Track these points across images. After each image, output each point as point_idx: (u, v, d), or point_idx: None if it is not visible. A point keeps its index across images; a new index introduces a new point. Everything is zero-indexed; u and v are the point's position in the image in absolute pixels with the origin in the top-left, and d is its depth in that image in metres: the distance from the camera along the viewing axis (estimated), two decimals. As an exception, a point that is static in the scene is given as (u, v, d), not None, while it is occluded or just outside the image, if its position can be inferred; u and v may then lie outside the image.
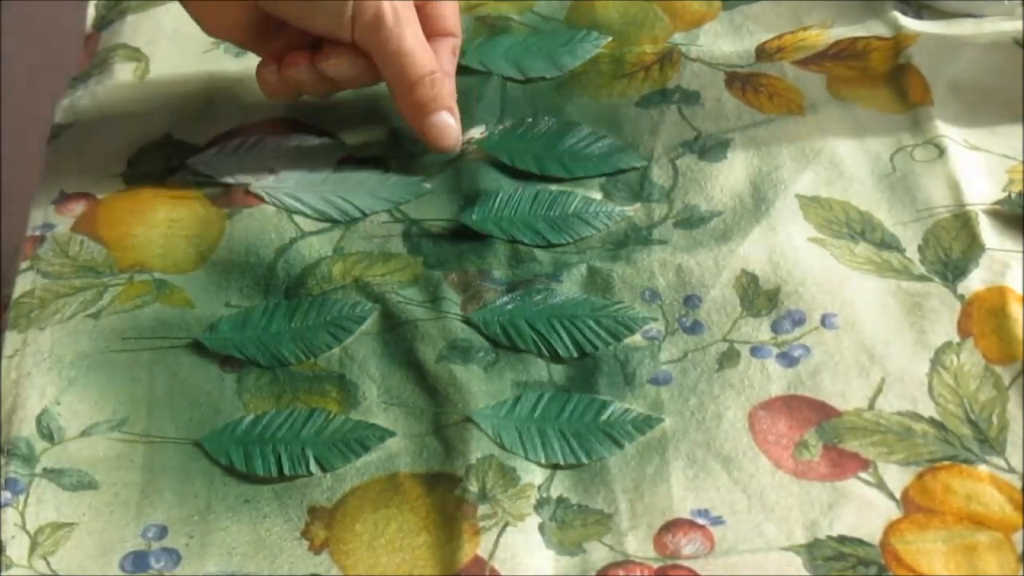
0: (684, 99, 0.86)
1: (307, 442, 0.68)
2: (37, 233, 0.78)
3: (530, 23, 0.92)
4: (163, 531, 0.64)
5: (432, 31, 0.82)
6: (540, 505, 0.65)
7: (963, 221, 0.77)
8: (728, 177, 0.80)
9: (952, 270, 0.74)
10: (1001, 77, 0.85)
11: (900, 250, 0.76)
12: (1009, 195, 0.78)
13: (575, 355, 0.71)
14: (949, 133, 0.81)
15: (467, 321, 0.73)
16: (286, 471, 0.67)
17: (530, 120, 0.84)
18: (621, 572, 0.62)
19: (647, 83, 0.87)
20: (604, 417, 0.68)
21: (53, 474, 0.67)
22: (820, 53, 0.88)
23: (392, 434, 0.68)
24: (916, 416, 0.68)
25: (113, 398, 0.70)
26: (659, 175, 0.81)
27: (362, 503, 0.65)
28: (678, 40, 0.90)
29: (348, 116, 0.85)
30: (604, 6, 0.93)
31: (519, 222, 0.78)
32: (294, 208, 0.79)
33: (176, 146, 0.83)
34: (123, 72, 0.89)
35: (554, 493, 0.65)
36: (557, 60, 0.88)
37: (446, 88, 0.80)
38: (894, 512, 0.64)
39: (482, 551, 0.63)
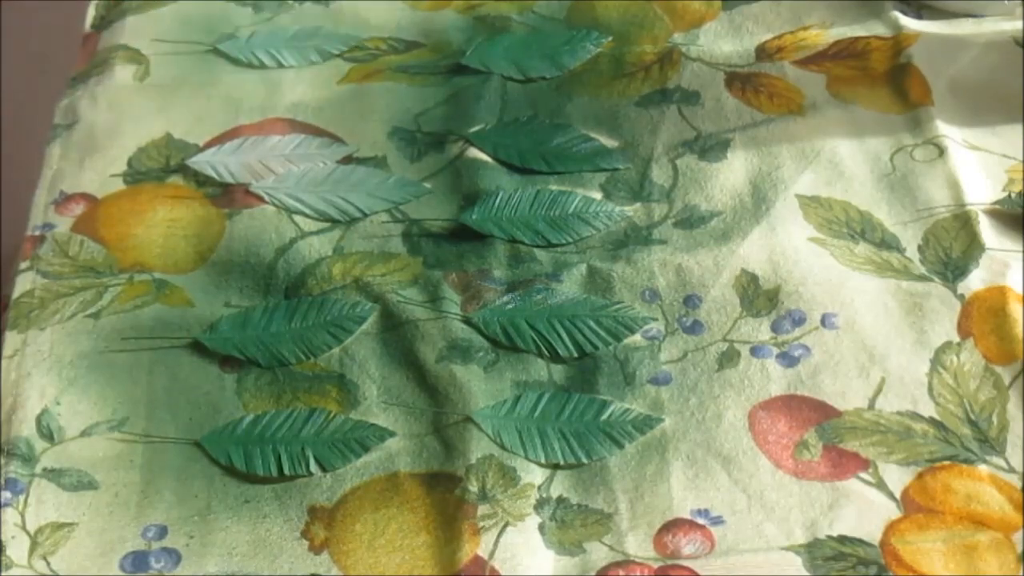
0: (684, 99, 0.86)
1: (307, 442, 0.68)
2: (37, 233, 0.78)
3: (530, 23, 0.92)
4: (163, 531, 0.64)
5: None
6: (540, 505, 0.65)
7: (963, 221, 0.77)
8: (728, 177, 0.80)
9: (952, 270, 0.74)
10: (1001, 77, 0.85)
11: (900, 250, 0.76)
12: (1009, 195, 0.78)
13: (575, 355, 0.71)
14: (949, 133, 0.81)
15: (467, 321, 0.73)
16: (286, 471, 0.67)
17: (525, 118, 0.84)
18: (621, 572, 0.62)
19: (647, 83, 0.87)
20: (604, 417, 0.68)
21: (53, 474, 0.67)
22: (820, 53, 0.88)
23: (392, 434, 0.68)
24: (916, 416, 0.68)
25: (113, 398, 0.70)
26: (659, 175, 0.81)
27: (362, 503, 0.65)
28: (678, 40, 0.90)
29: (348, 116, 0.85)
30: (604, 6, 0.93)
31: (519, 222, 0.78)
32: (294, 208, 0.79)
33: (176, 146, 0.83)
34: (123, 73, 0.89)
35: (554, 493, 0.65)
36: (557, 60, 0.88)
37: None
38: (894, 512, 0.64)
39: (482, 551, 0.63)
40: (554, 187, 0.80)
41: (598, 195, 0.80)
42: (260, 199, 0.80)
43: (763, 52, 0.89)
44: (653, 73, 0.88)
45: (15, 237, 0.79)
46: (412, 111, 0.86)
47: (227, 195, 0.80)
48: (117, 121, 0.85)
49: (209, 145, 0.83)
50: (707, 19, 0.92)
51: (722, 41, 0.90)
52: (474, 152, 0.82)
